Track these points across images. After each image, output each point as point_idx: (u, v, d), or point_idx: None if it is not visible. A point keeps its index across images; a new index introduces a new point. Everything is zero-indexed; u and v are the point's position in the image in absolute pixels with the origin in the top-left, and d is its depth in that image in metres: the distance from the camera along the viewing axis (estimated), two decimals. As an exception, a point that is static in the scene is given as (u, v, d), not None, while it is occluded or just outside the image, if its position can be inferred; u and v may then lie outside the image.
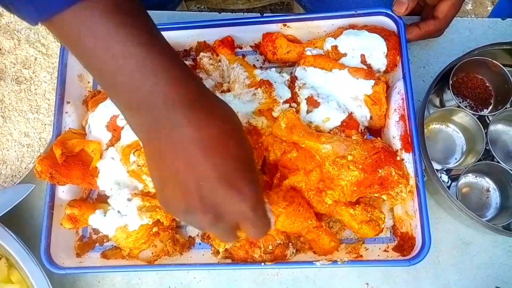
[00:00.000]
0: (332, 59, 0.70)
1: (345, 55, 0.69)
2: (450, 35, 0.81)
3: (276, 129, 0.63)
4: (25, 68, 0.79)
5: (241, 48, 0.78)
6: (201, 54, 0.73)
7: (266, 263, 0.62)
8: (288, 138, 0.63)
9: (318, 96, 0.67)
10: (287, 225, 0.62)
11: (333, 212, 0.64)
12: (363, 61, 0.69)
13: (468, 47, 0.80)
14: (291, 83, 0.69)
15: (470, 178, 0.73)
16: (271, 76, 0.68)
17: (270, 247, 0.63)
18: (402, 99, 0.67)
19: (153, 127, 0.41)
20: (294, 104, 0.68)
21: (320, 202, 0.63)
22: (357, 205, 0.63)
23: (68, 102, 0.72)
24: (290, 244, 0.65)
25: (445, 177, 0.73)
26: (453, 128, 0.75)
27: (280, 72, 0.77)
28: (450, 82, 0.71)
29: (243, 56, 0.78)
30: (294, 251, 0.65)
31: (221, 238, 0.53)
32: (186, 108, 0.40)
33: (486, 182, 0.73)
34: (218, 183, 0.42)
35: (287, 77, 0.70)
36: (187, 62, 0.71)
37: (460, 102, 0.72)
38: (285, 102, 0.67)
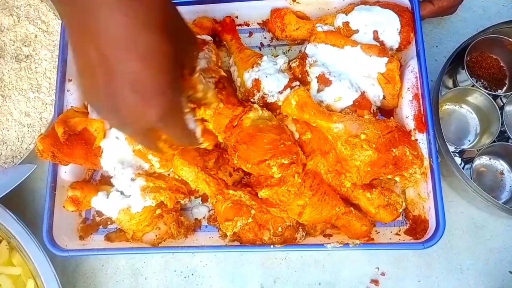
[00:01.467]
0: (344, 35, 0.67)
1: (357, 31, 0.67)
2: (463, 14, 0.78)
3: (286, 107, 0.60)
4: (25, 45, 0.76)
5: (248, 25, 0.76)
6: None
7: (276, 245, 0.61)
8: (299, 116, 0.61)
9: (329, 74, 0.64)
10: (315, 216, 0.60)
11: (351, 196, 0.62)
12: (376, 37, 0.66)
13: (481, 26, 0.77)
14: (301, 60, 0.66)
15: (484, 160, 0.71)
16: (263, 69, 0.64)
17: (280, 229, 0.61)
18: (416, 77, 0.65)
19: (77, 13, 0.37)
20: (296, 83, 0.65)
21: (338, 185, 0.61)
22: (374, 189, 0.61)
23: (70, 80, 0.69)
24: (301, 227, 0.63)
25: (458, 160, 0.71)
26: (467, 109, 0.73)
27: (288, 50, 0.75)
28: (465, 61, 0.69)
29: (250, 34, 0.75)
30: (304, 234, 0.63)
31: (140, 143, 0.50)
32: None
33: (501, 164, 0.71)
34: (122, 85, 0.38)
35: (281, 61, 0.66)
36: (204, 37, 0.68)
37: (474, 83, 0.70)
38: (285, 88, 0.63)
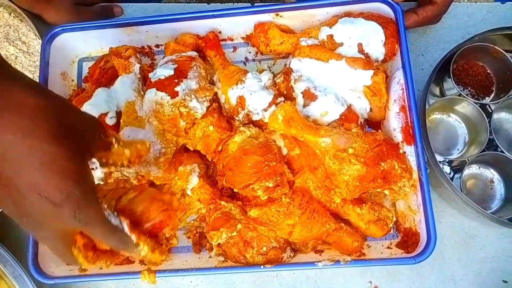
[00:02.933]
0: (328, 49, 0.66)
1: (341, 44, 0.66)
2: (448, 21, 0.78)
3: (273, 122, 0.60)
4: (5, 67, 0.75)
5: (232, 40, 0.75)
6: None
7: (265, 266, 0.59)
8: (286, 131, 0.60)
9: (315, 89, 0.63)
10: (305, 234, 0.59)
11: (341, 212, 0.61)
12: (360, 50, 0.66)
13: (467, 33, 0.77)
14: (286, 75, 0.65)
15: (473, 169, 0.71)
16: (248, 86, 0.63)
17: (265, 249, 0.60)
18: (402, 89, 0.64)
19: None
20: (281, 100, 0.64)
21: (328, 201, 0.60)
22: (364, 204, 0.60)
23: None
24: (288, 248, 0.62)
25: (447, 169, 0.71)
26: (455, 118, 0.72)
27: (273, 65, 0.74)
28: (451, 69, 0.68)
29: (234, 48, 0.75)
30: (292, 254, 0.62)
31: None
32: None
33: (490, 173, 0.70)
34: (28, 194, 0.38)
35: (266, 77, 0.65)
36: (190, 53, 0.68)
37: (461, 91, 0.70)
38: (269, 105, 0.62)
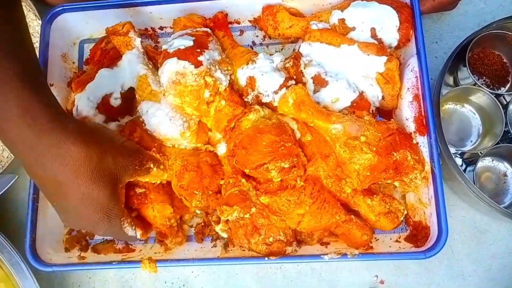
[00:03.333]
0: (340, 33, 0.63)
1: (353, 29, 0.63)
2: (464, 7, 0.75)
3: (283, 105, 0.57)
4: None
5: (238, 23, 0.72)
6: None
7: (270, 257, 0.57)
8: (296, 115, 0.57)
9: (326, 74, 0.61)
10: (314, 224, 0.57)
11: (350, 203, 0.59)
12: (373, 35, 0.63)
13: (483, 20, 0.74)
14: (295, 60, 0.63)
15: (486, 161, 0.68)
16: (259, 67, 0.61)
17: (271, 239, 0.58)
18: (416, 77, 0.61)
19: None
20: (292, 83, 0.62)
21: (338, 191, 0.58)
22: (375, 196, 0.58)
23: (52, 85, 0.66)
24: (295, 242, 0.60)
25: (459, 161, 0.69)
26: (469, 109, 0.70)
27: (282, 49, 0.71)
28: (467, 58, 0.66)
29: (241, 32, 0.72)
30: (297, 248, 0.60)
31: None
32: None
33: (504, 167, 0.68)
34: (83, 216, 0.52)
35: (278, 59, 0.62)
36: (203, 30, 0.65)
37: (476, 80, 0.67)
38: (280, 87, 0.60)
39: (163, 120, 0.59)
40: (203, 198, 0.59)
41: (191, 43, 0.59)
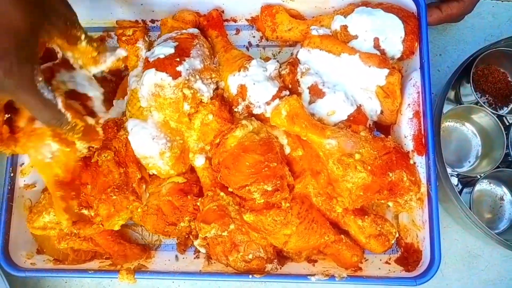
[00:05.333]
0: (341, 41, 0.60)
1: (355, 37, 0.59)
2: (471, 20, 0.72)
3: (275, 117, 0.53)
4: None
5: (235, 21, 0.68)
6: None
7: (254, 275, 0.54)
8: (289, 128, 0.54)
9: (323, 85, 0.57)
10: (301, 244, 0.54)
11: (340, 222, 0.56)
12: (376, 45, 0.59)
13: (490, 34, 0.72)
14: (292, 67, 0.59)
15: (484, 184, 0.66)
16: (251, 75, 0.57)
17: (250, 256, 0.55)
18: (418, 92, 0.58)
19: None
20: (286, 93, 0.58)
21: (328, 210, 0.55)
22: (366, 216, 0.55)
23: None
24: (276, 260, 0.57)
25: (454, 180, 0.66)
26: (470, 128, 0.67)
27: (279, 52, 0.67)
28: (471, 75, 0.63)
29: (237, 31, 0.68)
30: (278, 266, 0.57)
31: None
32: None
33: (502, 191, 0.66)
34: None
35: (272, 67, 0.59)
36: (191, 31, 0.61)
37: (478, 98, 0.64)
38: (273, 98, 0.56)
39: (145, 139, 0.55)
40: (178, 231, 0.57)
41: (172, 51, 0.55)
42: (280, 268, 0.57)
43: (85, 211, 0.55)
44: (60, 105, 0.47)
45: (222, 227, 0.53)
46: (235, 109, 0.57)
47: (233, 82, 0.57)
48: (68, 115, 0.47)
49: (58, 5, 0.47)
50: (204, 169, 0.57)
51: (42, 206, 0.57)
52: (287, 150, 0.56)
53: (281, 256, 0.59)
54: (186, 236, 0.61)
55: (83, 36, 0.50)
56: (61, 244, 0.58)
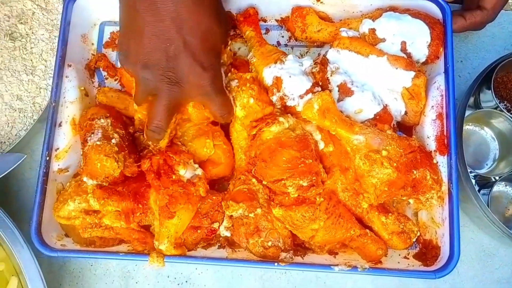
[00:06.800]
0: (369, 43, 0.62)
1: (383, 40, 0.62)
2: (492, 29, 0.74)
3: (307, 110, 0.56)
4: (21, 23, 0.70)
5: (265, 21, 0.70)
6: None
7: (280, 263, 0.57)
8: (319, 122, 0.56)
9: (352, 84, 0.60)
10: (327, 239, 0.56)
11: (364, 218, 0.58)
12: (403, 49, 0.62)
13: (510, 44, 0.74)
14: (322, 66, 0.61)
15: (500, 186, 0.68)
16: (287, 68, 0.60)
17: (270, 243, 0.57)
18: (442, 95, 0.61)
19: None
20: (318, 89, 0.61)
21: (354, 205, 0.57)
22: (390, 214, 0.57)
23: (69, 65, 0.64)
24: (292, 251, 0.59)
25: (473, 182, 0.68)
26: (488, 132, 0.70)
27: (307, 53, 0.70)
28: (492, 81, 0.65)
29: (267, 30, 0.70)
30: (292, 256, 0.59)
31: (157, 115, 0.54)
32: None
33: (518, 192, 0.68)
34: (184, 51, 0.49)
35: (308, 63, 0.61)
36: None
37: (498, 103, 0.66)
38: (306, 92, 0.59)
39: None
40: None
41: None
42: (293, 258, 0.58)
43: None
44: (232, 100, 0.57)
45: (250, 208, 0.55)
46: (270, 97, 0.60)
47: (268, 74, 0.59)
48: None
49: (225, 14, 0.56)
50: (244, 152, 0.59)
51: (68, 194, 0.58)
52: (321, 145, 0.58)
53: (303, 247, 0.61)
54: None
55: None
56: (86, 234, 0.59)
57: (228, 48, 0.63)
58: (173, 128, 0.58)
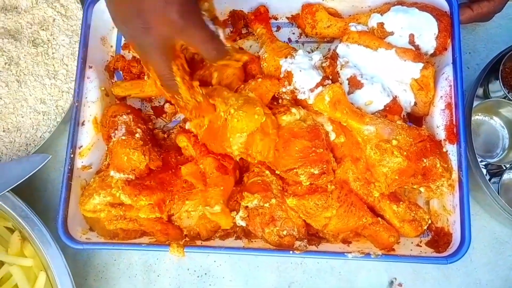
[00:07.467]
0: (378, 37, 0.64)
1: (391, 33, 0.64)
2: (499, 20, 0.75)
3: (319, 102, 0.58)
4: (43, 29, 0.73)
5: (276, 19, 0.73)
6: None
7: (295, 251, 0.59)
8: (330, 114, 0.58)
9: (361, 77, 0.62)
10: (340, 226, 0.58)
11: (376, 207, 0.60)
12: (411, 41, 0.63)
13: (517, 34, 0.75)
14: (332, 60, 0.63)
15: (511, 174, 0.69)
16: (297, 62, 0.62)
17: (285, 232, 0.59)
18: (450, 86, 0.62)
19: None
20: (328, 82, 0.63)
21: (366, 194, 0.59)
22: (401, 202, 0.59)
23: (90, 67, 0.67)
24: (306, 240, 0.61)
25: (483, 170, 0.69)
26: (497, 121, 0.71)
27: (317, 48, 0.72)
28: (500, 71, 0.66)
29: (278, 28, 0.72)
30: (307, 245, 0.60)
31: (156, 68, 0.53)
32: None
33: (529, 180, 0.69)
34: None
35: (317, 57, 0.64)
36: (227, 30, 0.67)
37: (506, 93, 0.67)
38: (317, 85, 0.61)
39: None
40: None
41: None
42: (307, 246, 0.60)
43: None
44: (222, 35, 0.53)
45: (265, 199, 0.57)
46: (282, 89, 0.62)
47: (283, 64, 0.62)
48: (228, 46, 0.53)
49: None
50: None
51: (93, 189, 0.61)
52: (332, 136, 0.60)
53: (317, 237, 0.63)
54: None
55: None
56: (111, 226, 0.62)
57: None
58: (184, 74, 0.54)
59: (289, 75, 0.61)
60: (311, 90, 0.60)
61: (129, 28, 0.50)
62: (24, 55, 0.72)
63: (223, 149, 0.58)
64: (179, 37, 0.51)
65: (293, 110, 0.58)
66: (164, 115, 0.70)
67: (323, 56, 0.66)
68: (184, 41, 0.52)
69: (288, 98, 0.62)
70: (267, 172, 0.60)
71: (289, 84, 0.61)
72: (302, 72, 0.60)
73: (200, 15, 0.51)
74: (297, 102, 0.62)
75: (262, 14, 0.69)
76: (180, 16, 0.48)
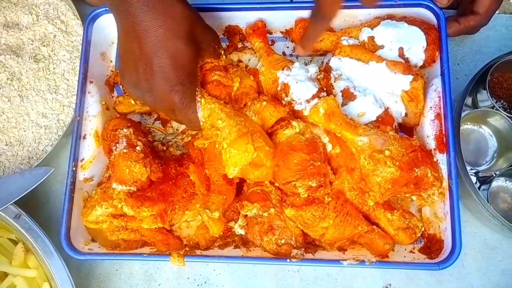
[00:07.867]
0: (369, 50, 0.67)
1: (382, 47, 0.66)
2: (486, 32, 0.78)
3: (314, 114, 0.60)
4: (44, 45, 0.75)
5: (270, 33, 0.75)
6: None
7: (292, 259, 0.60)
8: (325, 125, 0.60)
9: (354, 89, 0.64)
10: (337, 236, 0.60)
11: (371, 215, 0.62)
12: (401, 54, 0.66)
13: (504, 45, 0.77)
14: (325, 73, 0.66)
15: (500, 181, 0.71)
16: (294, 74, 0.64)
17: (283, 241, 0.61)
18: (439, 97, 0.64)
19: (128, 19, 0.53)
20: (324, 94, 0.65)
21: (361, 203, 0.61)
22: (395, 211, 0.61)
23: (91, 82, 0.69)
24: (303, 248, 0.62)
25: (473, 179, 0.72)
26: (486, 131, 0.73)
27: (310, 61, 0.74)
28: (487, 82, 0.69)
29: (272, 42, 0.75)
30: (304, 253, 0.62)
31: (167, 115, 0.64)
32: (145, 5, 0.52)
33: (517, 187, 0.71)
34: (156, 74, 0.54)
35: (313, 70, 0.66)
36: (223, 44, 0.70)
37: (494, 103, 0.70)
38: (313, 97, 0.63)
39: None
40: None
41: None
42: (304, 255, 0.62)
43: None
44: (200, 115, 0.61)
45: (264, 208, 0.59)
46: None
47: (280, 76, 0.65)
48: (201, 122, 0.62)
49: (206, 35, 0.61)
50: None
51: (95, 200, 0.63)
52: (329, 147, 0.62)
53: (314, 245, 0.65)
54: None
55: (223, 52, 0.66)
56: (113, 236, 0.64)
57: (223, 57, 0.67)
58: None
59: (285, 87, 0.64)
60: (308, 101, 0.63)
61: (138, 95, 0.59)
62: (26, 70, 0.74)
63: (222, 171, 0.61)
64: (171, 115, 0.62)
65: (294, 123, 0.60)
66: (168, 124, 0.72)
67: (318, 69, 0.68)
68: (174, 112, 0.60)
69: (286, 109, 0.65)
70: (266, 182, 0.62)
71: (286, 96, 0.64)
72: (299, 83, 0.63)
73: (194, 102, 0.59)
74: (294, 113, 0.64)
75: (260, 29, 0.71)
76: (180, 101, 0.57)
